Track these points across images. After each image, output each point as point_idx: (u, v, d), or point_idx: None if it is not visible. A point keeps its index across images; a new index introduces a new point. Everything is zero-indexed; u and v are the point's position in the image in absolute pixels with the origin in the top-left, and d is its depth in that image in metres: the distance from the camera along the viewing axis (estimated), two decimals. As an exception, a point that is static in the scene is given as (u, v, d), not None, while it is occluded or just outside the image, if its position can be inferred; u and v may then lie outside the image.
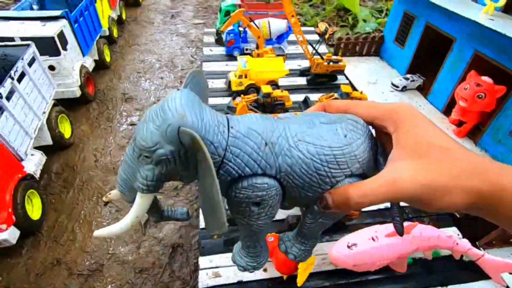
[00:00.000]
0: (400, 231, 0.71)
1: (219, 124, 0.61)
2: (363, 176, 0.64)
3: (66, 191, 4.20)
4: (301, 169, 0.62)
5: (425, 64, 5.67)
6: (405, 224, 3.07)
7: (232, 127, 0.62)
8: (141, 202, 0.67)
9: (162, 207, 0.81)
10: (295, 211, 3.48)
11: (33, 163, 3.79)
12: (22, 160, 3.61)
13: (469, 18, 4.01)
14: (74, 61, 5.17)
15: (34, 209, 3.68)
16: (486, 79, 4.02)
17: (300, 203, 0.72)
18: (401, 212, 0.71)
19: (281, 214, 3.59)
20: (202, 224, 3.46)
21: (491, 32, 3.80)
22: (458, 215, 3.58)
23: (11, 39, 4.40)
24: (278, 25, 6.46)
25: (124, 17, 8.62)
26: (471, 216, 3.45)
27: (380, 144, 0.66)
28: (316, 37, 7.39)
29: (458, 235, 3.42)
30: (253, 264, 0.83)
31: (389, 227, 3.02)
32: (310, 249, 0.84)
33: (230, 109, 4.52)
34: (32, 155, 3.88)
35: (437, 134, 0.56)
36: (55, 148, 4.52)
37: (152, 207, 0.73)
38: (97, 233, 0.69)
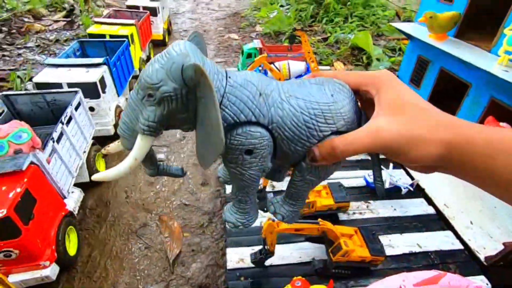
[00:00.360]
0: (381, 193, 0.79)
1: (218, 73, 0.66)
2: None
3: (99, 226, 4.43)
4: (291, 121, 0.67)
5: (442, 105, 5.81)
6: (432, 273, 3.07)
7: (230, 77, 0.67)
8: (141, 144, 0.69)
9: (158, 162, 0.84)
10: (321, 254, 3.56)
11: (73, 200, 4.07)
12: (65, 198, 3.90)
13: (484, 69, 4.22)
14: (110, 102, 5.63)
15: (71, 244, 3.90)
16: (504, 125, 4.14)
17: (289, 159, 0.74)
18: (381, 173, 0.78)
19: (306, 257, 3.67)
20: (229, 264, 3.57)
21: (507, 81, 3.98)
22: (485, 263, 3.56)
23: (59, 84, 4.89)
24: (297, 67, 6.87)
25: (152, 56, 9.33)
26: (499, 263, 3.44)
27: (364, 112, 0.72)
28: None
29: (487, 284, 3.39)
30: (243, 221, 0.84)
31: (418, 275, 3.05)
32: (297, 211, 0.86)
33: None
34: (72, 192, 4.18)
35: (414, 95, 0.62)
36: (91, 184, 4.83)
37: (148, 158, 0.77)
38: (96, 176, 0.71)
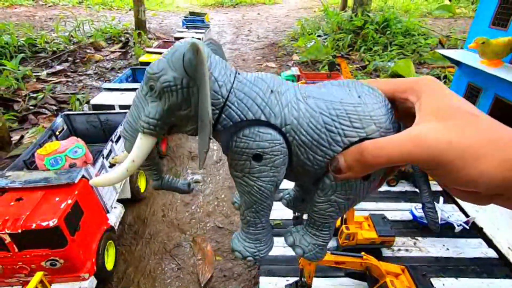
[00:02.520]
0: (434, 225, 0.59)
1: (227, 68, 0.60)
2: None
3: (135, 243, 4.53)
4: (308, 123, 0.57)
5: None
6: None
7: (239, 74, 0.61)
8: (140, 143, 0.62)
9: (164, 172, 0.77)
10: (363, 293, 3.24)
11: (115, 215, 4.23)
12: (108, 212, 4.07)
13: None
14: (155, 124, 5.98)
15: (109, 259, 4.00)
16: None
17: (309, 172, 0.62)
18: (432, 200, 0.60)
19: (346, 294, 3.37)
20: (262, 295, 3.38)
21: None
22: None
23: (112, 106, 5.33)
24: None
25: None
26: None
27: (402, 125, 0.60)
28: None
29: None
30: (253, 251, 0.69)
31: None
32: (323, 245, 0.70)
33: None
34: (114, 207, 4.36)
35: (464, 101, 0.49)
36: (132, 201, 5.02)
37: (152, 166, 0.71)
38: (93, 181, 0.66)
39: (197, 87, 0.57)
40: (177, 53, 0.57)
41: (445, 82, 8.59)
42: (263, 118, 0.57)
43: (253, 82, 0.60)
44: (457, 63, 5.89)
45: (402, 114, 0.59)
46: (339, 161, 0.55)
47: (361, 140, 0.55)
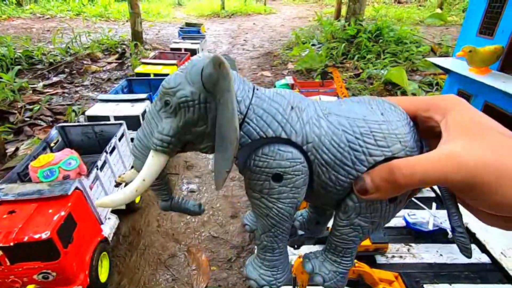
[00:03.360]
0: (467, 251, 0.55)
1: (245, 84, 0.58)
2: None
3: (130, 254, 4.50)
4: (331, 141, 0.54)
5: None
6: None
7: (257, 89, 0.60)
8: (152, 162, 0.59)
9: (173, 192, 0.74)
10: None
11: (109, 227, 4.22)
12: (102, 223, 4.06)
13: (536, 102, 3.92)
14: (150, 134, 6.02)
15: (103, 271, 3.97)
16: None
17: (331, 194, 0.58)
18: (462, 222, 0.55)
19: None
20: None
21: None
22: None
23: (107, 117, 5.37)
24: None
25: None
26: None
27: (425, 143, 0.57)
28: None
29: None
30: (269, 279, 0.65)
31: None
32: (345, 272, 0.65)
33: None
34: (109, 218, 4.35)
35: (491, 119, 0.49)
36: (126, 212, 5.01)
37: (162, 186, 0.68)
38: (99, 202, 0.62)
39: (215, 102, 0.55)
40: (195, 68, 0.55)
41: (437, 89, 8.73)
42: (283, 135, 0.55)
43: (272, 98, 0.58)
44: (447, 70, 6.00)
45: (424, 132, 0.57)
46: (366, 181, 0.51)
47: (386, 159, 0.53)
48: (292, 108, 0.57)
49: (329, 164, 0.55)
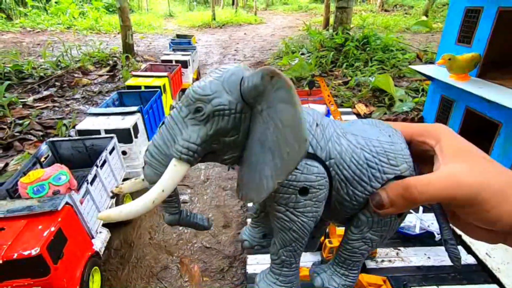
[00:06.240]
0: (457, 261, 0.59)
1: None
2: None
3: (122, 267, 4.48)
4: (351, 158, 0.58)
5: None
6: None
7: None
8: (174, 171, 0.55)
9: (181, 205, 0.69)
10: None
11: (100, 241, 4.21)
12: (93, 238, 4.06)
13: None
14: (141, 146, 6.04)
15: (94, 285, 3.95)
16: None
17: (344, 209, 0.61)
18: (452, 234, 0.60)
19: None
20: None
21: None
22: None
23: (98, 131, 5.39)
24: (317, 110, 7.04)
25: (181, 103, 10.05)
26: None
27: (417, 165, 0.62)
28: (354, 117, 7.81)
29: None
30: None
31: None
32: (351, 285, 0.67)
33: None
34: (100, 232, 4.34)
35: (475, 147, 0.55)
36: (117, 225, 5.00)
37: (174, 198, 0.64)
38: (103, 214, 0.55)
39: (250, 113, 0.55)
40: (233, 77, 0.55)
41: (423, 95, 8.97)
42: (310, 150, 0.56)
43: None
44: (430, 78, 6.22)
45: (416, 155, 0.63)
46: (382, 196, 0.55)
47: (396, 177, 0.57)
48: (317, 125, 0.59)
49: (348, 179, 0.58)
